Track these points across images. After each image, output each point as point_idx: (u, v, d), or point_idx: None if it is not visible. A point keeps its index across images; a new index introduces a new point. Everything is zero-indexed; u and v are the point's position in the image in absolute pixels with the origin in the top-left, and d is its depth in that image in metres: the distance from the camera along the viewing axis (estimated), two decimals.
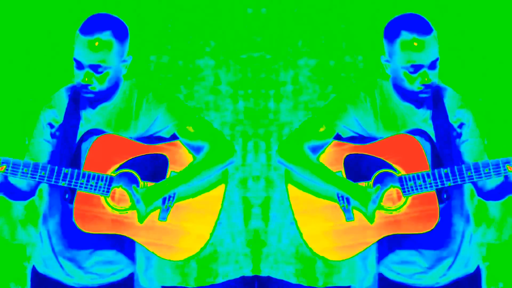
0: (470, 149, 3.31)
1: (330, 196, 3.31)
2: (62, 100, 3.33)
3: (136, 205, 3.24)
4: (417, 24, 3.23)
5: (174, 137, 3.32)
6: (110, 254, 3.32)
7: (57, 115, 3.32)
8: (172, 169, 3.29)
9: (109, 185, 3.23)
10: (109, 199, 3.24)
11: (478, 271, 3.38)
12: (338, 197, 3.30)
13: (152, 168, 3.28)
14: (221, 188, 3.34)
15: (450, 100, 3.32)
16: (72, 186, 3.20)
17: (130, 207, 3.26)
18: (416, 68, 3.22)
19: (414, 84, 3.24)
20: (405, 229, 3.24)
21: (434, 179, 3.21)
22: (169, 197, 3.29)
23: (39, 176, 3.20)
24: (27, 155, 3.32)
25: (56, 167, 3.20)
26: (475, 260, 3.38)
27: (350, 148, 3.30)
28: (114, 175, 3.23)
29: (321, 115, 3.35)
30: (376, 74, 3.37)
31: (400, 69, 3.24)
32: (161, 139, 3.31)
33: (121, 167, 3.25)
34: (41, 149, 3.31)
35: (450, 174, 3.21)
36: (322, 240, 3.30)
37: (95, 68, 3.23)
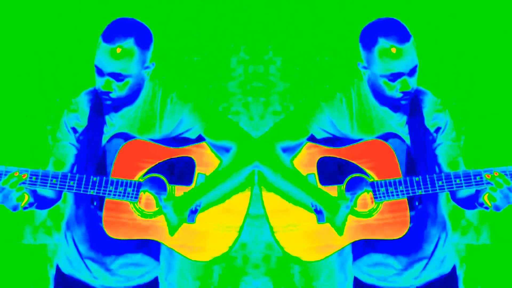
0: (445, 152, 3.27)
1: (300, 202, 3.27)
2: (84, 104, 3.29)
3: (164, 210, 3.23)
4: (394, 31, 3.15)
5: (200, 138, 3.28)
6: (136, 257, 3.32)
7: (80, 119, 3.28)
8: (199, 171, 3.27)
9: (138, 191, 3.21)
10: (137, 205, 3.23)
11: (454, 271, 3.36)
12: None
13: (179, 171, 3.26)
14: (247, 187, 3.32)
15: (428, 104, 3.28)
16: (100, 194, 3.18)
17: (157, 211, 3.25)
18: (396, 76, 3.16)
19: (393, 91, 3.18)
20: (376, 234, 3.22)
21: (406, 187, 3.18)
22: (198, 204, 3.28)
23: (68, 186, 3.17)
24: (52, 159, 3.30)
25: (84, 176, 3.18)
26: (451, 261, 3.35)
27: (323, 151, 3.27)
28: (141, 180, 3.22)
29: (295, 116, 3.29)
30: (353, 74, 3.32)
31: (379, 77, 3.18)
32: (187, 141, 3.28)
33: (148, 172, 3.23)
34: (67, 152, 3.29)
35: (421, 183, 3.17)
36: (294, 240, 3.27)
37: (115, 76, 3.17)
